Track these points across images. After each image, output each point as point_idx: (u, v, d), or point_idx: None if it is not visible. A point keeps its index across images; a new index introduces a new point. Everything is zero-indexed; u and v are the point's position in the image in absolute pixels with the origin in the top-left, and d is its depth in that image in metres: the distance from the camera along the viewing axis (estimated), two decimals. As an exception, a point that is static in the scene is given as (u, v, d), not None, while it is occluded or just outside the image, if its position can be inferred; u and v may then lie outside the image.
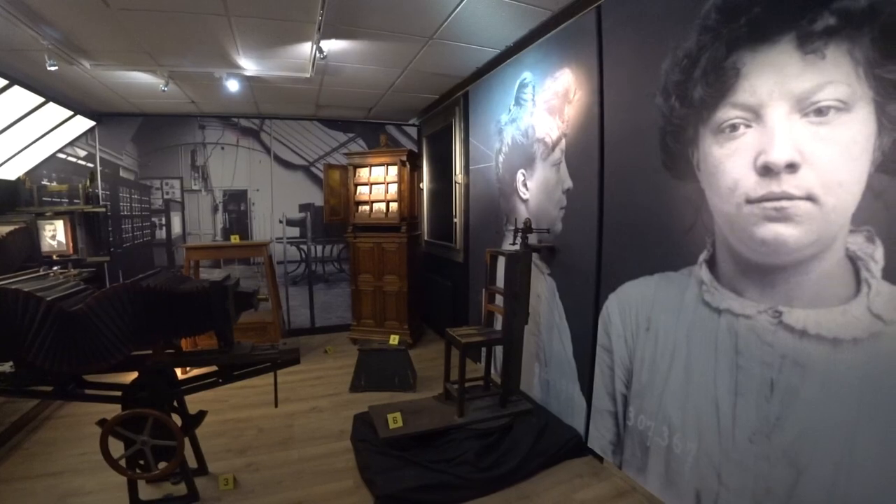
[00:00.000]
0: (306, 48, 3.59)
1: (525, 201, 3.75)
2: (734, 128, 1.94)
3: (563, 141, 3.21)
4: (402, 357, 4.27)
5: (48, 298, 2.01)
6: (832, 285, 1.61)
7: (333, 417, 3.69)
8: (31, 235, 4.04)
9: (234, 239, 5.23)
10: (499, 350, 3.71)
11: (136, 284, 2.19)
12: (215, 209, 5.88)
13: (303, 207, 6.13)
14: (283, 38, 3.43)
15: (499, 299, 3.42)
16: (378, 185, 5.45)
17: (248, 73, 4.16)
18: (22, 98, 4.02)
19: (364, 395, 4.09)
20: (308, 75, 4.12)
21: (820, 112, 1.61)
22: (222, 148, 5.83)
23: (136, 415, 2.35)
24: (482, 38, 3.56)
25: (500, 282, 3.43)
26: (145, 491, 2.62)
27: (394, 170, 5.31)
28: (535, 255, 3.49)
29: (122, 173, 5.50)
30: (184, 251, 5.04)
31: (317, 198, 6.13)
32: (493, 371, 3.85)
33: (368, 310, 5.54)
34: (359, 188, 5.53)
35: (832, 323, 1.60)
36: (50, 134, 4.80)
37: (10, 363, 2.19)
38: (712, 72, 2.02)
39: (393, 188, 5.35)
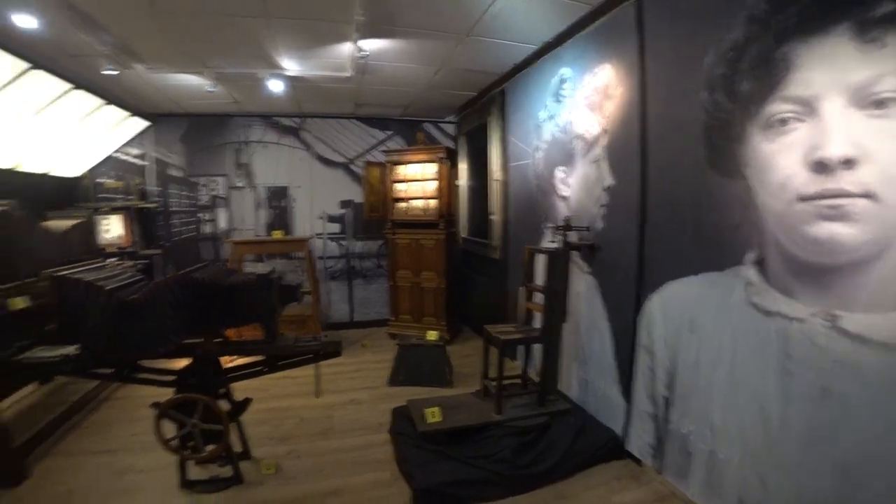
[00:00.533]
0: (346, 48, 3.66)
1: (564, 198, 3.70)
2: (784, 122, 1.86)
3: (604, 137, 3.15)
4: (439, 353, 4.31)
5: (108, 287, 2.15)
6: (892, 288, 1.53)
7: (372, 410, 3.77)
8: (89, 229, 4.32)
9: (277, 234, 5.40)
10: (537, 348, 3.69)
11: (187, 277, 2.31)
12: (258, 205, 6.09)
13: (343, 204, 6.26)
14: (323, 38, 3.52)
15: (537, 297, 3.41)
16: (416, 182, 5.51)
17: (289, 74, 4.28)
18: (83, 101, 4.30)
19: (402, 389, 4.15)
20: (348, 74, 4.20)
21: (879, 104, 1.52)
22: (265, 146, 6.03)
23: (188, 399, 2.48)
24: (519, 34, 3.53)
25: (539, 279, 3.40)
26: (194, 471, 2.75)
27: (431, 167, 5.35)
28: (574, 253, 3.45)
29: (171, 171, 5.78)
30: (229, 246, 5.25)
31: (356, 194, 6.25)
32: (530, 369, 3.84)
33: (406, 305, 5.61)
34: (397, 185, 5.60)
35: (891, 328, 1.52)
36: (109, 134, 5.10)
37: (76, 346, 2.35)
38: (761, 64, 1.94)
39: (430, 185, 5.39)
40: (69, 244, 3.89)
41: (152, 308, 2.18)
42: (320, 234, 6.22)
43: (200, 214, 5.96)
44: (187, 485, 2.68)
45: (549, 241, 3.69)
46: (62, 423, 3.49)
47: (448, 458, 2.81)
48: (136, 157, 5.61)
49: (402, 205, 5.58)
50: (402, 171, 5.58)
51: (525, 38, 3.63)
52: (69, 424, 3.53)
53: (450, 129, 6.61)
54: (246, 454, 2.99)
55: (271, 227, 6.05)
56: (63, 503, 2.63)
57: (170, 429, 2.60)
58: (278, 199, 6.12)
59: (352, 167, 6.25)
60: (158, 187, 5.68)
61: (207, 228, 6.02)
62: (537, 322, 3.44)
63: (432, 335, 4.42)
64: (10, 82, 3.40)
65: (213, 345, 2.59)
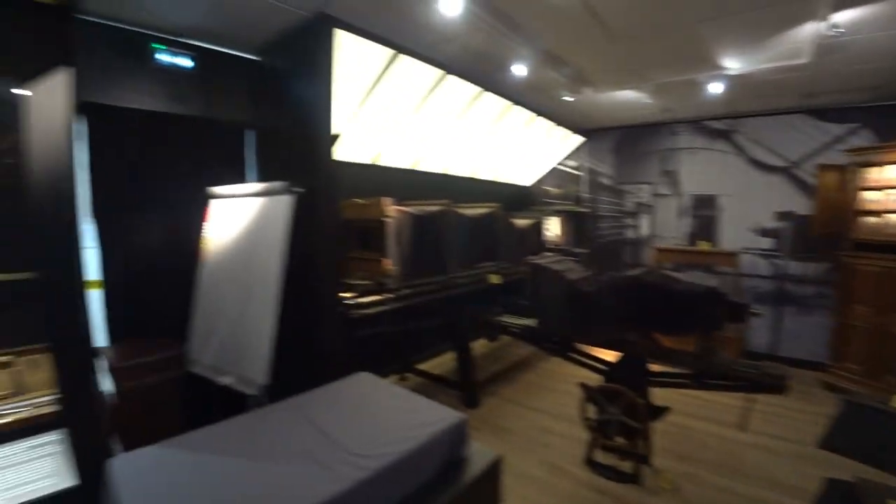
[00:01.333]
0: (807, 29, 3.12)
1: None
2: None
3: None
4: (911, 427, 3.16)
5: (570, 278, 2.64)
6: None
7: (790, 467, 3.13)
8: (539, 228, 5.37)
9: (704, 245, 5.18)
10: None
11: (637, 278, 2.56)
12: (681, 213, 5.96)
13: (780, 216, 5.33)
14: (777, 25, 3.11)
15: None
16: (897, 189, 4.15)
17: (730, 73, 4.00)
18: (542, 125, 5.32)
19: (837, 458, 3.28)
20: (803, 60, 3.60)
21: None
22: (692, 152, 5.84)
23: (614, 390, 2.74)
24: None
25: None
26: (598, 454, 3.03)
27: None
28: None
29: (601, 179, 6.42)
30: (651, 252, 5.40)
31: (799, 205, 5.21)
32: None
33: (859, 352, 4.33)
34: (866, 194, 4.35)
35: None
36: (554, 149, 6.15)
37: (534, 320, 3.02)
38: None
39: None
40: (527, 239, 4.97)
41: (602, 301, 2.54)
42: (749, 248, 5.51)
43: (625, 220, 6.36)
44: (590, 463, 2.99)
45: None
46: (503, 374, 4.55)
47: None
48: (572, 167, 6.53)
49: (874, 219, 4.30)
50: (876, 174, 4.28)
51: None
52: (507, 377, 4.56)
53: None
54: (646, 459, 3.05)
55: (694, 236, 5.82)
56: (501, 435, 3.44)
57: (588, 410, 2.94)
58: (704, 208, 5.80)
59: (796, 172, 5.25)
60: (590, 194, 6.43)
61: (630, 233, 6.36)
62: None
63: (907, 400, 3.27)
64: (500, 118, 4.58)
65: (646, 346, 2.76)
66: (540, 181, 6.45)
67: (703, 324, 2.44)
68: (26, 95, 2.13)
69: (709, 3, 2.83)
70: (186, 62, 3.09)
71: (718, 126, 5.65)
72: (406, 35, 3.19)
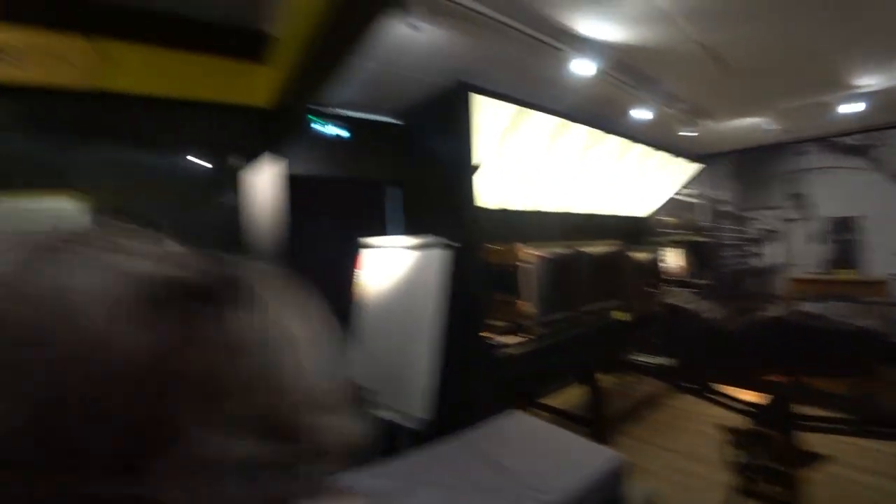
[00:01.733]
0: None
1: None
2: None
3: None
4: None
5: (709, 318, 2.65)
6: None
7: None
8: (658, 261, 5.27)
9: (846, 274, 4.79)
10: None
11: (781, 318, 2.53)
12: (813, 238, 5.59)
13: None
14: None
15: None
16: None
17: (866, 91, 3.78)
18: (659, 158, 5.34)
19: None
20: None
21: None
22: (823, 172, 5.46)
23: (762, 433, 2.66)
24: None
25: None
26: (743, 500, 2.85)
27: None
28: None
29: (720, 206, 6.15)
30: (785, 282, 5.08)
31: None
32: None
33: None
34: None
35: None
36: (671, 179, 6.07)
37: (667, 359, 3.02)
38: None
39: None
40: (646, 272, 4.92)
41: (745, 341, 2.53)
42: (896, 273, 5.05)
43: (749, 248, 6.07)
44: (731, 509, 2.88)
45: None
46: (630, 412, 4.46)
47: None
48: (690, 195, 6.35)
49: None
50: None
51: None
52: (635, 415, 4.46)
53: None
54: (799, 511, 2.89)
55: (831, 263, 5.42)
56: (638, 475, 3.33)
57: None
58: (842, 232, 5.38)
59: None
60: (710, 222, 6.19)
61: (755, 262, 6.05)
62: None
63: None
64: (619, 156, 4.67)
65: (794, 386, 2.67)
66: (657, 212, 6.36)
67: (854, 366, 2.33)
68: (259, 173, 2.71)
69: (836, 34, 2.78)
70: (342, 132, 3.53)
71: (851, 142, 5.25)
72: (535, 93, 3.48)
